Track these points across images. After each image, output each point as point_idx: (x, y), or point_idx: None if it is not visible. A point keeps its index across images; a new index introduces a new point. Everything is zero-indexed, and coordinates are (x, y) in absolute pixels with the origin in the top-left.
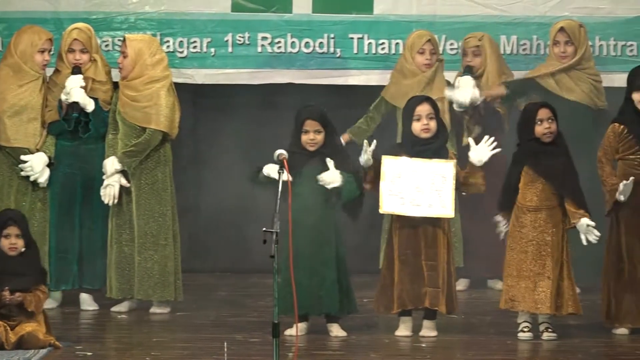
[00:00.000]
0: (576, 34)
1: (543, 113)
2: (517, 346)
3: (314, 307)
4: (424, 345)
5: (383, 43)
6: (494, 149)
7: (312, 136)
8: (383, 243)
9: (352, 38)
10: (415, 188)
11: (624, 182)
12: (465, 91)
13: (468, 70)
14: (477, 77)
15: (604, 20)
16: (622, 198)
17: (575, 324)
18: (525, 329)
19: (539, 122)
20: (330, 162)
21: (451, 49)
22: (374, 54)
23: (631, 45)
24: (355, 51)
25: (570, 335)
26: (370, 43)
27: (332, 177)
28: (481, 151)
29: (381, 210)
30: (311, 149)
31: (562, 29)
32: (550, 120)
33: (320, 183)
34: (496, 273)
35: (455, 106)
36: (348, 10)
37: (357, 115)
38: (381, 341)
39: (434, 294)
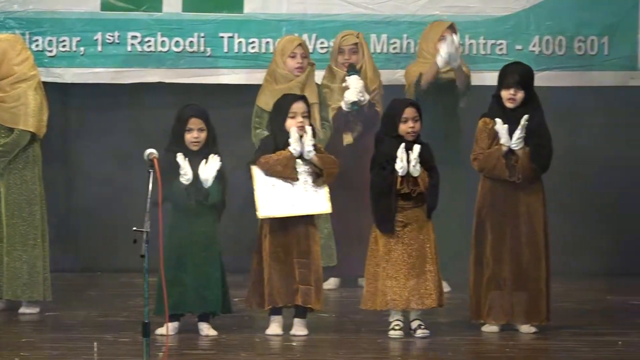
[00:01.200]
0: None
1: (409, 112)
2: (388, 344)
3: (197, 306)
4: (294, 344)
5: (253, 42)
6: None
7: (196, 134)
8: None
9: (222, 37)
10: (289, 188)
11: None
12: (354, 90)
13: (352, 69)
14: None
15: (473, 19)
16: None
17: (445, 322)
18: (397, 327)
19: (404, 121)
20: (215, 158)
21: (321, 48)
22: (244, 53)
23: (500, 44)
24: (225, 50)
25: (441, 333)
26: (240, 42)
27: (206, 174)
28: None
29: (259, 216)
30: (195, 148)
31: (451, 26)
32: (415, 120)
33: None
34: None
35: (343, 105)
36: (218, 10)
37: (227, 114)
38: (252, 340)
39: (306, 291)
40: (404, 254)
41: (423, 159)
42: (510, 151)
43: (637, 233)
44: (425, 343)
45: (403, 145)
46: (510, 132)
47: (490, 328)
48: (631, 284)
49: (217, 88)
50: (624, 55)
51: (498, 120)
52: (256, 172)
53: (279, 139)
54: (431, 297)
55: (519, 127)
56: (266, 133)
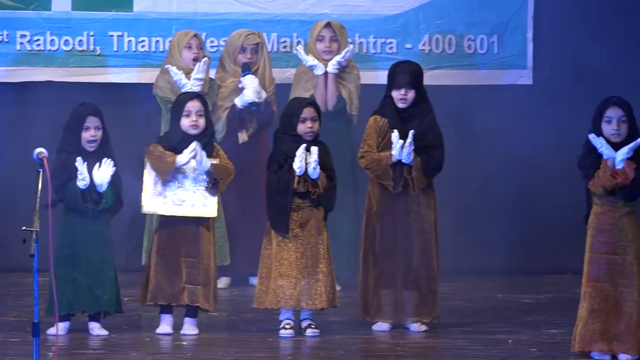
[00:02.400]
0: (340, 31)
1: (308, 112)
2: (279, 343)
3: (91, 305)
4: (185, 343)
5: (143, 41)
6: None
7: (93, 132)
8: (145, 240)
9: (111, 36)
10: (178, 187)
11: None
12: (251, 89)
13: (247, 68)
14: (255, 73)
15: (363, 18)
16: (396, 155)
17: (337, 320)
18: (287, 326)
19: (302, 120)
20: (109, 162)
21: (212, 47)
22: (134, 51)
23: (390, 42)
24: (115, 49)
25: (332, 332)
26: (130, 41)
27: (100, 179)
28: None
29: (143, 211)
30: (91, 148)
31: (328, 25)
32: (313, 120)
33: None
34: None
35: (238, 103)
36: (108, 8)
37: (117, 113)
38: (142, 340)
39: (193, 290)
40: (297, 253)
41: (321, 160)
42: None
43: (529, 232)
44: (315, 342)
45: (304, 145)
46: (406, 130)
47: (380, 326)
48: (521, 282)
49: (107, 87)
50: (513, 54)
51: (395, 133)
52: (147, 165)
53: (173, 138)
54: (321, 297)
55: (407, 142)
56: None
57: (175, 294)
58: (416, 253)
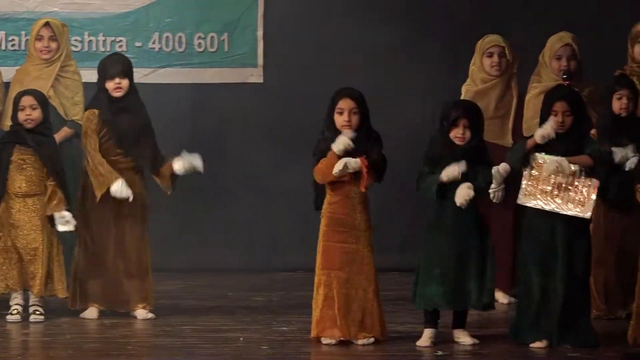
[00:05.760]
0: (61, 30)
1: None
2: (6, 328)
3: None
4: None
5: None
6: None
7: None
8: None
9: None
10: None
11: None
12: None
13: None
14: None
15: (92, 16)
16: None
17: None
18: (14, 312)
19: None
20: None
21: None
22: None
23: (120, 40)
24: None
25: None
26: None
27: None
28: None
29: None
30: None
31: (47, 24)
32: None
33: None
34: None
35: None
36: None
37: None
38: None
39: None
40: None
41: None
42: None
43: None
44: (41, 327)
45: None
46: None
47: (89, 314)
48: (252, 280)
49: None
50: (244, 53)
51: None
52: None
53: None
54: (38, 285)
55: None
56: None
57: None
58: (131, 247)
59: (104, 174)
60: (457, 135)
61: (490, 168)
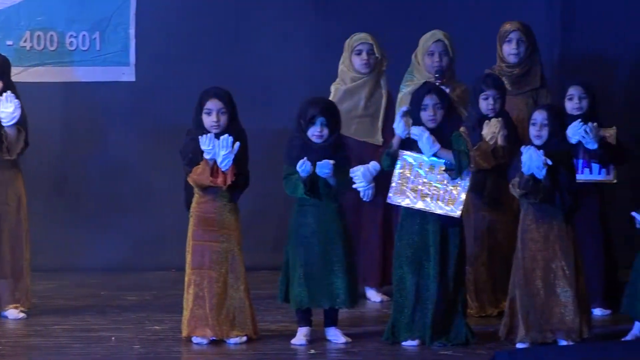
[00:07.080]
0: None
1: None
2: None
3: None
4: None
5: None
6: None
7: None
8: None
9: None
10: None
11: None
12: None
13: None
14: None
15: None
16: None
17: None
18: None
19: None
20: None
21: None
22: None
23: None
24: None
25: None
26: None
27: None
28: None
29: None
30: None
31: None
32: None
33: None
34: None
35: None
36: None
37: None
38: None
39: None
40: None
41: None
42: None
43: (141, 230)
44: None
45: None
46: None
47: None
48: (125, 279)
49: None
50: (116, 51)
51: None
52: None
53: None
54: None
55: None
56: None
57: None
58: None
59: None
60: (315, 133)
61: (349, 164)
